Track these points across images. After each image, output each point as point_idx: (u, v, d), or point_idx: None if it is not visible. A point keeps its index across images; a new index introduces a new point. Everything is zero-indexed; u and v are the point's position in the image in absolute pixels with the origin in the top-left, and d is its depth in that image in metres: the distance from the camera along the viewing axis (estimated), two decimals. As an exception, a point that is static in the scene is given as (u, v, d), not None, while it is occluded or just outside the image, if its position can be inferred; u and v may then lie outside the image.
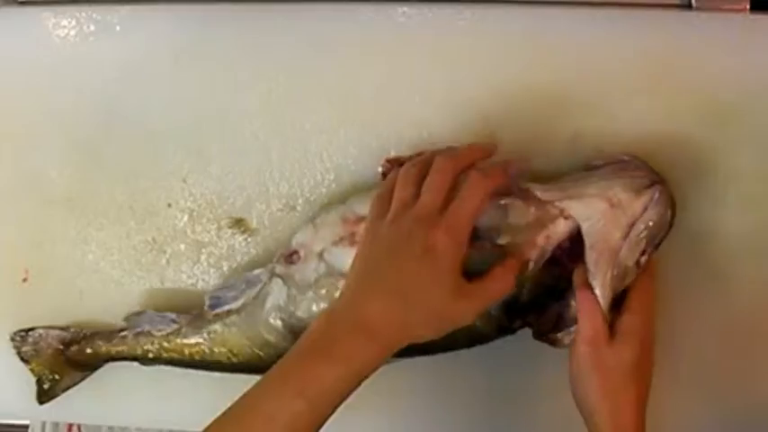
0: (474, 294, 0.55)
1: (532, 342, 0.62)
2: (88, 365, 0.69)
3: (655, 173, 0.60)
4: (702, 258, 0.67)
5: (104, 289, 0.70)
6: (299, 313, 0.63)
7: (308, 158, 0.68)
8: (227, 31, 0.68)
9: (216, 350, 0.67)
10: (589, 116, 0.65)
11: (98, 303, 0.71)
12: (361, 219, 0.61)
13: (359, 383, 0.54)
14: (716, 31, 0.65)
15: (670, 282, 0.66)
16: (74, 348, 0.69)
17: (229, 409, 0.54)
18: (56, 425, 0.75)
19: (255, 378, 0.55)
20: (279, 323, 0.64)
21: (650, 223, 0.58)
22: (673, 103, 0.65)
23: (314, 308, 0.62)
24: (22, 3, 0.71)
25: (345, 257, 0.60)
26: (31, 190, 0.70)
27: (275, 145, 0.68)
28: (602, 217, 0.58)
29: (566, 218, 0.58)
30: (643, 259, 0.59)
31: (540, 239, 0.59)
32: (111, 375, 0.71)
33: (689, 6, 0.66)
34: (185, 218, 0.70)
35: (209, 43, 0.68)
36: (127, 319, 0.69)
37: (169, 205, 0.70)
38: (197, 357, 0.67)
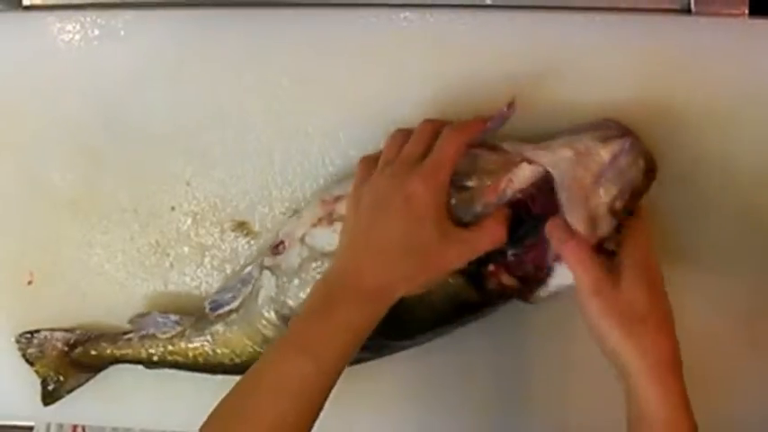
0: (462, 240, 0.57)
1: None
2: (93, 367, 0.70)
3: (626, 128, 0.60)
4: (699, 259, 0.67)
5: (108, 291, 0.71)
6: (290, 302, 0.63)
7: (311, 162, 0.68)
8: (230, 35, 0.68)
9: (218, 351, 0.67)
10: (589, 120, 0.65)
11: (102, 306, 0.71)
12: (338, 198, 0.63)
13: (362, 340, 0.55)
14: (715, 36, 0.65)
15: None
16: (78, 350, 0.70)
17: (237, 383, 0.55)
18: (60, 426, 0.75)
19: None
20: (273, 315, 0.64)
21: (621, 171, 0.58)
22: (672, 108, 0.65)
23: (302, 294, 0.63)
24: (26, 8, 0.71)
25: (325, 237, 0.62)
26: (36, 193, 0.71)
27: (278, 148, 0.68)
28: (570, 163, 0.58)
29: (530, 163, 0.59)
30: (618, 204, 0.58)
31: (504, 182, 0.59)
32: (116, 377, 0.71)
33: (688, 11, 0.67)
34: (189, 221, 0.70)
35: (213, 48, 0.68)
36: (132, 321, 0.69)
37: (173, 208, 0.70)
38: (200, 360, 0.67)
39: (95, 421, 0.75)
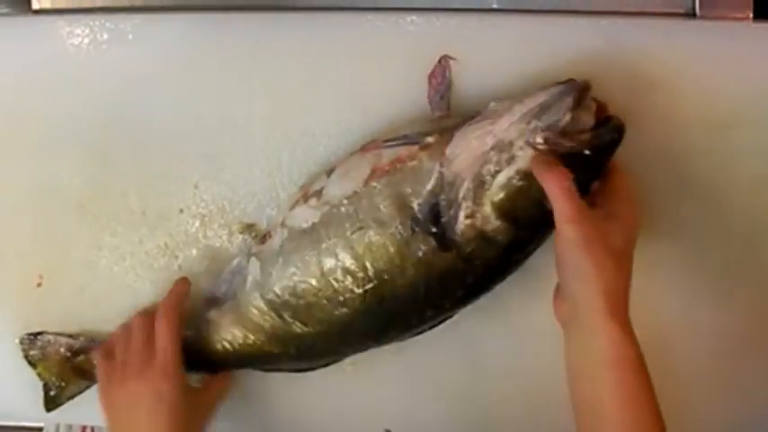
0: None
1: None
2: (94, 375, 0.69)
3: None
4: (702, 262, 0.68)
5: (117, 293, 0.71)
6: (275, 287, 0.64)
7: (318, 164, 0.68)
8: (237, 39, 0.68)
9: (212, 338, 0.68)
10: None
11: (111, 308, 0.71)
12: (316, 190, 0.64)
13: None
14: (720, 39, 0.66)
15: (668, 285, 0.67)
16: (81, 358, 0.70)
17: None
18: (69, 427, 0.75)
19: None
20: (260, 301, 0.65)
21: (542, 105, 0.58)
22: (677, 110, 0.66)
23: (285, 278, 0.64)
24: (36, 12, 0.71)
25: (301, 214, 0.64)
26: (45, 196, 0.71)
27: (285, 151, 0.69)
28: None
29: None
30: (538, 140, 0.57)
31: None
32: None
33: (693, 15, 0.67)
34: (197, 223, 0.70)
35: (221, 51, 0.69)
36: None
37: (181, 211, 0.70)
38: (194, 348, 0.68)
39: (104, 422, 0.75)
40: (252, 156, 0.69)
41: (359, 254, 0.61)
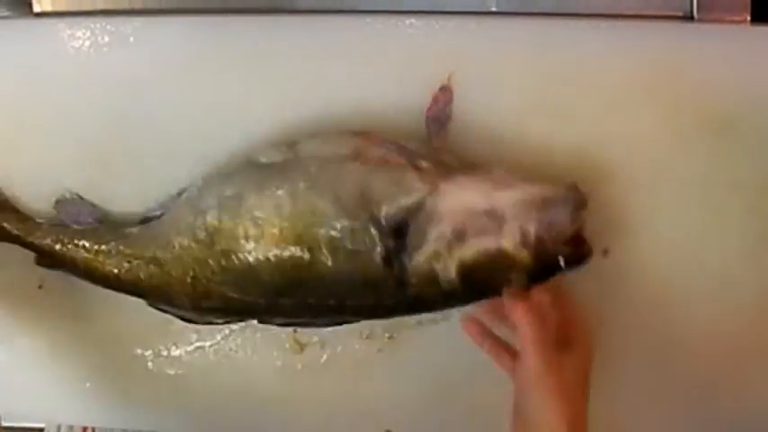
0: None
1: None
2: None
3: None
4: (704, 264, 0.68)
5: (120, 297, 0.70)
6: (204, 205, 0.64)
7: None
8: (236, 41, 0.69)
9: (121, 251, 0.67)
10: (594, 125, 0.67)
11: (118, 301, 0.71)
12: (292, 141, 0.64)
13: None
14: (717, 42, 0.66)
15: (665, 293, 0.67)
16: None
17: None
18: (71, 428, 0.76)
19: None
20: (184, 217, 0.65)
21: (546, 201, 0.59)
22: (675, 112, 0.66)
23: (217, 201, 0.63)
24: (38, 14, 0.72)
25: (264, 150, 0.64)
26: (45, 195, 0.71)
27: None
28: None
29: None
30: (531, 231, 0.59)
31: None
32: (127, 380, 0.73)
33: (691, 18, 0.68)
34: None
35: (220, 53, 0.69)
36: (57, 202, 0.69)
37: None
38: (100, 258, 0.67)
39: (105, 423, 0.76)
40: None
41: (298, 212, 0.61)
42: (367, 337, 0.71)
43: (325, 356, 0.72)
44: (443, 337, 0.69)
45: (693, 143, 0.67)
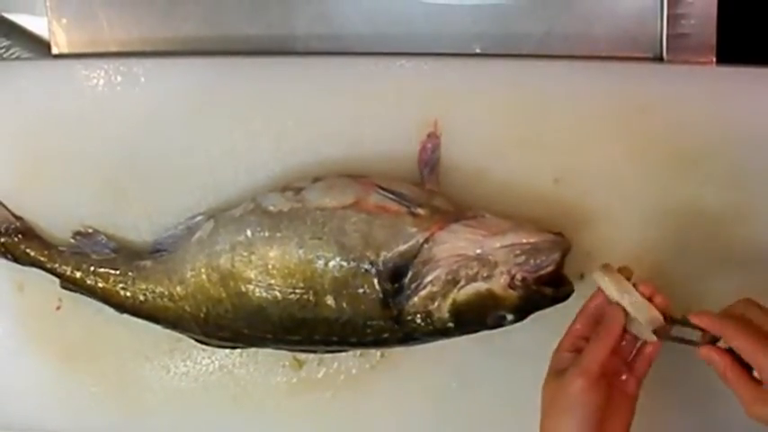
0: None
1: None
2: (15, 259, 0.73)
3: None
4: (672, 287, 0.70)
5: (131, 321, 0.74)
6: (217, 248, 0.68)
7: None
8: (241, 81, 0.73)
9: (137, 285, 0.71)
10: (568, 162, 0.71)
11: (131, 327, 0.74)
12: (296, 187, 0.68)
13: None
14: (685, 82, 0.70)
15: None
16: (6, 239, 0.73)
17: None
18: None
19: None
20: (197, 258, 0.68)
21: (534, 247, 0.63)
22: (647, 146, 0.70)
23: (229, 244, 0.67)
24: (56, 56, 0.77)
25: (272, 197, 0.67)
26: (64, 225, 0.75)
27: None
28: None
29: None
30: (518, 275, 0.63)
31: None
32: (135, 389, 0.77)
33: (660, 59, 0.72)
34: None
35: (226, 92, 0.73)
36: (74, 235, 0.73)
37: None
38: (117, 288, 0.71)
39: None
40: (255, 189, 0.72)
41: (306, 259, 0.65)
42: (360, 355, 0.75)
43: (321, 373, 0.75)
44: (433, 355, 0.73)
45: (661, 177, 0.70)
